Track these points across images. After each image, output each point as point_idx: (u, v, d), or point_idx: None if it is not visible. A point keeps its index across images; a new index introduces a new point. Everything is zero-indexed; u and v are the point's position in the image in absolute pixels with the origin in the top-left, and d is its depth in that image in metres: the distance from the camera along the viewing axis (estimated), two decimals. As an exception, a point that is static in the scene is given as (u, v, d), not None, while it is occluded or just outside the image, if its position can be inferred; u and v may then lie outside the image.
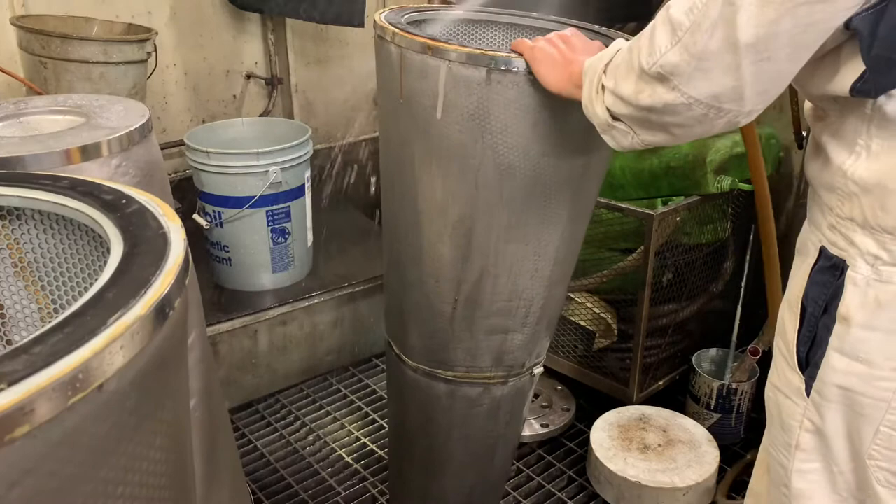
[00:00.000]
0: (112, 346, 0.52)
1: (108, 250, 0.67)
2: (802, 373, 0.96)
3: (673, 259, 2.11)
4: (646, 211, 1.98)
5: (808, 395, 0.96)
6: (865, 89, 0.81)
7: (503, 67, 1.12)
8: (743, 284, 2.17)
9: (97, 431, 0.52)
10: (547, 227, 1.31)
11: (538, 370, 1.53)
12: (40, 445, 0.48)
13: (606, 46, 1.02)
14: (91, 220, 0.73)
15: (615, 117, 0.95)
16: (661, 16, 0.85)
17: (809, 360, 0.95)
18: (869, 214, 0.86)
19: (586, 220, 1.44)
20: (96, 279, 0.61)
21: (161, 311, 0.58)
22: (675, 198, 2.07)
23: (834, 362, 0.91)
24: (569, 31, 1.12)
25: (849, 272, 0.89)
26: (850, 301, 0.89)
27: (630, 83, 0.89)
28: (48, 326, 0.53)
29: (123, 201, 0.74)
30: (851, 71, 0.81)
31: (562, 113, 1.16)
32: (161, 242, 0.66)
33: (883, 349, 0.87)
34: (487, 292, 1.36)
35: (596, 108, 0.97)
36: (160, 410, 0.61)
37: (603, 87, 0.95)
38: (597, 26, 1.38)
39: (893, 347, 0.87)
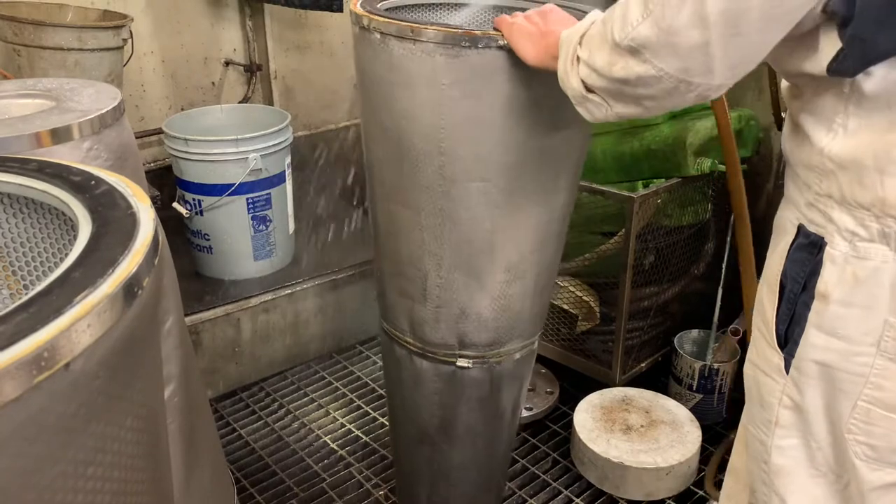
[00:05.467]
0: (78, 325, 0.51)
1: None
2: (781, 350, 0.97)
3: (654, 241, 2.12)
4: (626, 194, 1.99)
5: (787, 372, 0.96)
6: (842, 69, 0.81)
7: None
8: (724, 266, 2.18)
9: (65, 411, 0.52)
10: (421, 194, 1.29)
11: (462, 363, 1.47)
12: (5, 425, 0.47)
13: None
14: (59, 202, 0.72)
15: (589, 89, 0.95)
16: None
17: (788, 337, 0.96)
18: (846, 191, 0.87)
19: (485, 210, 1.29)
20: (66, 261, 0.60)
21: (129, 290, 0.57)
22: (655, 180, 2.08)
23: (813, 339, 0.92)
24: (547, 6, 1.13)
25: (827, 249, 0.90)
26: (829, 278, 0.89)
27: (604, 55, 0.89)
28: (13, 306, 0.52)
29: (92, 182, 0.73)
30: (828, 51, 0.81)
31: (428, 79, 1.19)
32: (130, 222, 0.65)
33: (860, 325, 0.88)
34: (390, 249, 1.41)
35: (571, 80, 0.97)
36: (131, 391, 0.61)
37: (578, 58, 0.95)
38: (575, 3, 1.37)
39: (870, 323, 0.87)
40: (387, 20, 1.17)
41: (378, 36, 1.18)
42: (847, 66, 0.80)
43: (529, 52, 1.09)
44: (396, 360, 1.55)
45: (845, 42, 0.78)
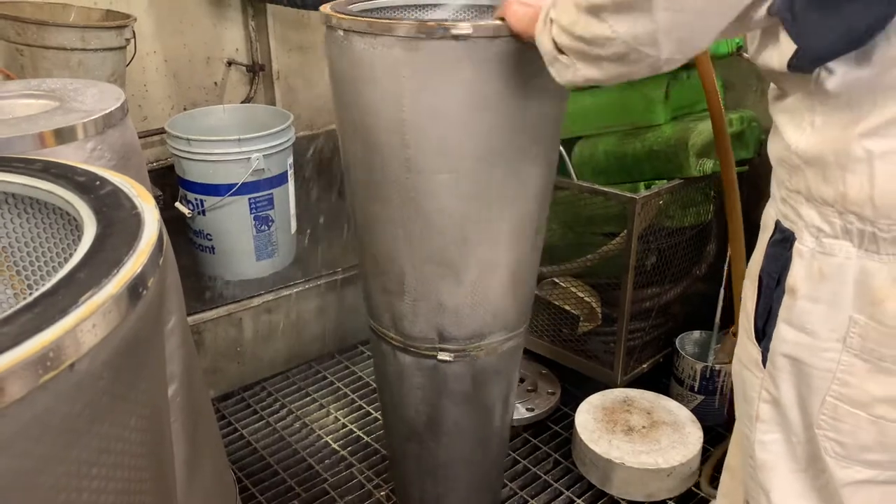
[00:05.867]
0: (83, 325, 0.51)
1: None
2: (759, 344, 0.99)
3: (656, 242, 2.12)
4: (628, 195, 1.99)
5: (764, 366, 0.98)
6: (800, 65, 0.84)
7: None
8: (726, 267, 2.18)
9: (70, 411, 0.52)
10: (391, 188, 1.31)
11: (443, 357, 1.48)
12: (11, 425, 0.48)
13: None
14: (64, 203, 0.72)
15: (560, 49, 0.99)
16: None
17: (766, 331, 0.98)
18: (812, 187, 0.89)
19: (454, 202, 1.30)
20: (71, 261, 0.60)
21: (134, 290, 0.57)
22: (657, 181, 2.08)
23: (783, 333, 0.94)
24: None
25: (796, 244, 0.92)
26: (797, 273, 0.91)
27: (570, 14, 0.95)
28: (18, 306, 0.52)
29: (97, 183, 0.73)
30: (789, 47, 0.84)
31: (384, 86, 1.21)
32: (134, 223, 0.65)
33: (826, 321, 0.90)
34: (369, 245, 1.43)
35: (544, 39, 1.02)
36: (135, 391, 0.61)
37: (551, 19, 1.00)
38: None
39: (836, 319, 0.89)
40: (348, 17, 1.20)
41: (341, 33, 1.21)
42: (803, 63, 0.83)
43: (521, 24, 1.13)
44: (383, 355, 1.57)
45: (795, 40, 0.82)
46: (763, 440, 1.01)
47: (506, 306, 1.47)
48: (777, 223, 0.96)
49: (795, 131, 0.90)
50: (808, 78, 0.85)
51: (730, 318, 2.19)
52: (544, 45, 1.03)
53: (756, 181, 2.26)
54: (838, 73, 0.82)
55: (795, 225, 0.92)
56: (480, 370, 1.52)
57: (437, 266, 1.36)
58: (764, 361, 0.98)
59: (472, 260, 1.36)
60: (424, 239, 1.33)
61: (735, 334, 2.09)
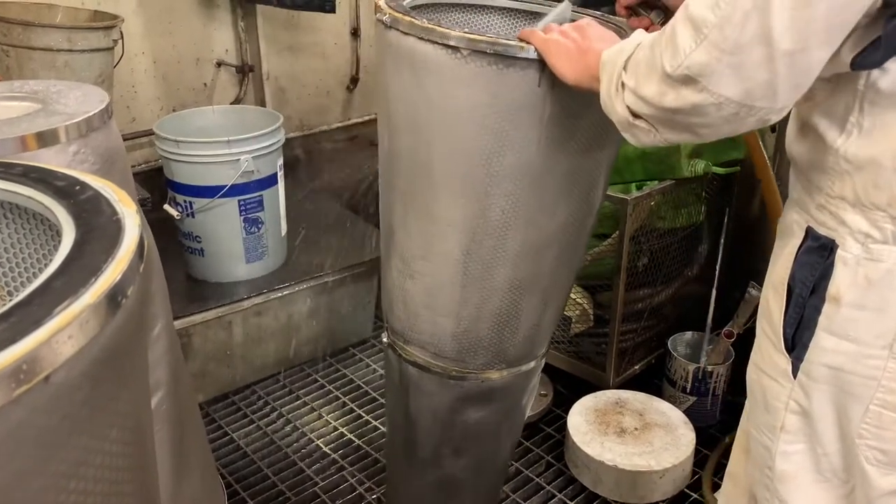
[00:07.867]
0: (59, 336, 0.50)
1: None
2: (789, 354, 0.96)
3: (648, 244, 2.11)
4: (620, 196, 1.98)
5: (794, 376, 0.96)
6: (867, 62, 0.79)
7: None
8: (718, 268, 2.18)
9: (46, 424, 0.50)
10: (408, 193, 1.28)
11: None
12: (-17, 440, 0.46)
13: (621, 36, 0.98)
14: (43, 208, 0.71)
15: (636, 115, 0.90)
16: (679, 15, 0.81)
17: (796, 341, 0.95)
18: (861, 192, 0.86)
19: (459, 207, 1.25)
20: (49, 268, 0.59)
21: (113, 299, 0.56)
22: (649, 182, 2.07)
23: (823, 342, 0.91)
24: (583, 21, 1.07)
25: (839, 252, 0.89)
26: (840, 281, 0.89)
27: (653, 84, 0.84)
28: (-9, 317, 0.51)
29: (77, 188, 0.72)
30: (851, 46, 0.80)
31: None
32: (114, 229, 0.64)
33: (872, 327, 0.87)
34: (384, 246, 1.42)
35: (616, 106, 0.92)
36: (116, 402, 0.59)
37: (623, 84, 0.89)
38: (601, 14, 1.33)
39: (883, 326, 0.87)
40: (401, 15, 1.14)
41: (392, 30, 1.16)
42: (875, 58, 0.79)
43: (567, 71, 1.02)
44: (390, 364, 1.56)
45: (888, 29, 0.76)
46: (786, 451, 0.99)
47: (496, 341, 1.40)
48: (809, 230, 0.93)
49: (840, 135, 0.86)
50: (856, 78, 0.82)
51: (722, 320, 2.19)
52: (616, 111, 0.91)
53: (749, 181, 2.26)
54: (893, 72, 0.79)
55: (836, 232, 0.89)
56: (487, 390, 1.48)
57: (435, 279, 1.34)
58: (794, 372, 0.95)
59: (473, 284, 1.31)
60: (432, 251, 1.31)
61: (728, 336, 2.10)
